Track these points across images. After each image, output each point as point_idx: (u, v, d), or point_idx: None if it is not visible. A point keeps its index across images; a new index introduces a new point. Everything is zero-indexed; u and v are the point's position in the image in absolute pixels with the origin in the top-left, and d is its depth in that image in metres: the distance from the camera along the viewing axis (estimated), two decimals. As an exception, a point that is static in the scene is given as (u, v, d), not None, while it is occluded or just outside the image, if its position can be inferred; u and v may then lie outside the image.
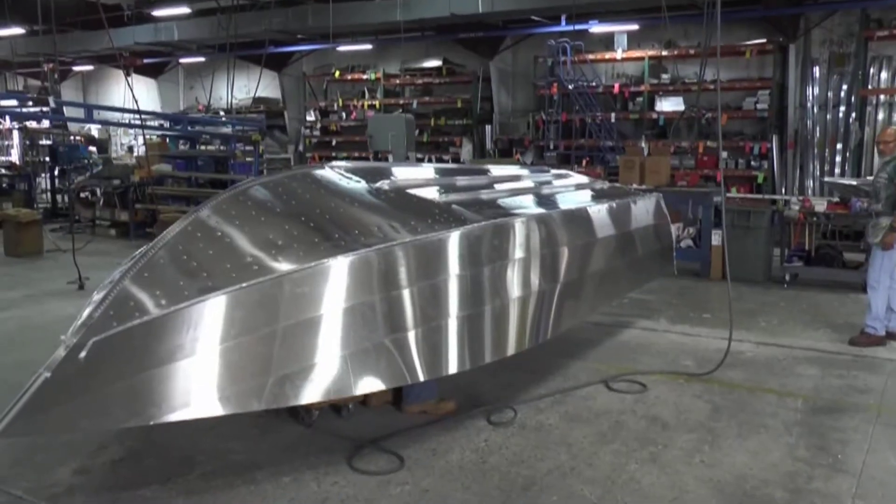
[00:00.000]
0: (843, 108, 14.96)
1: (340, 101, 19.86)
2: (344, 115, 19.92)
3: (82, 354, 3.45)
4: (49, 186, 16.27)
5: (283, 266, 3.91)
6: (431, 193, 5.34)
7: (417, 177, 5.87)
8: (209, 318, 3.72)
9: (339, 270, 4.01)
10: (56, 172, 15.80)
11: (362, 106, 19.56)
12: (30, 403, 3.41)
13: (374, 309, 4.18)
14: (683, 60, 16.59)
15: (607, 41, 16.95)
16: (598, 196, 6.63)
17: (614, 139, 16.64)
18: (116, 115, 15.84)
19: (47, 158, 16.69)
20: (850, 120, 14.80)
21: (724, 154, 15.81)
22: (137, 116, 13.96)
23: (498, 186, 6.19)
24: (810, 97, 15.17)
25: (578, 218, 5.83)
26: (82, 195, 14.05)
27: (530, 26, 17.30)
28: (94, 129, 23.23)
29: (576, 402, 5.41)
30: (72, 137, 18.80)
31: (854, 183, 12.00)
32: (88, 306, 3.78)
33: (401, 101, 19.41)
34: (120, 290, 3.71)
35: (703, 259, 9.57)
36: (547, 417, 5.13)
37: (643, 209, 6.91)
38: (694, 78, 16.44)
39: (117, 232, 13.54)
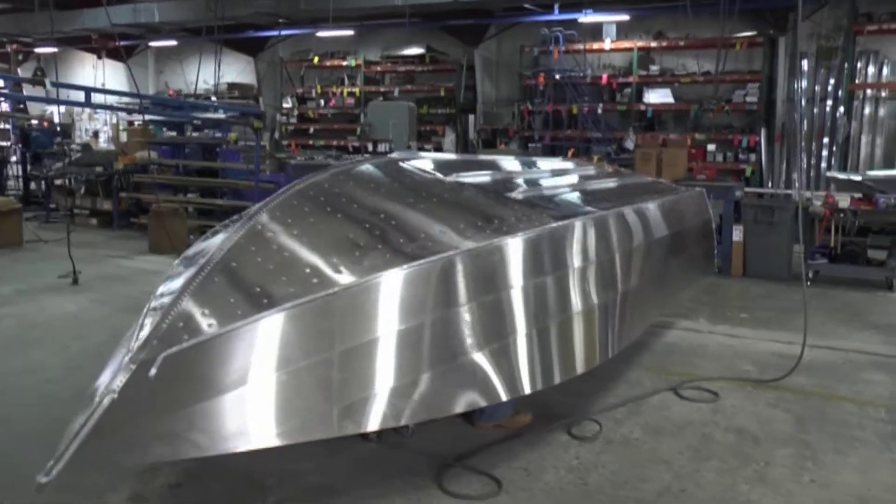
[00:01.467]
0: (830, 102, 14.89)
1: (319, 87, 19.23)
2: (322, 102, 19.30)
3: (153, 371, 2.99)
4: (21, 173, 15.41)
5: (369, 274, 3.48)
6: (500, 187, 4.96)
7: (477, 170, 5.44)
8: (298, 327, 3.28)
9: (447, 268, 3.63)
10: (28, 158, 14.96)
11: (342, 93, 18.97)
12: (97, 429, 2.92)
13: (467, 318, 3.78)
14: (672, 52, 16.39)
15: (594, 31, 16.65)
16: (648, 192, 6.27)
17: (602, 130, 16.38)
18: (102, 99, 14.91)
19: (12, 143, 15.84)
20: (838, 114, 14.74)
21: (713, 147, 15.69)
22: (117, 100, 13.28)
23: (553, 181, 5.79)
24: (798, 90, 15.06)
25: (640, 217, 5.47)
26: (58, 182, 13.29)
27: (517, 14, 16.91)
28: (56, 114, 22.21)
29: (652, 413, 5.06)
30: (34, 122, 17.86)
31: (858, 178, 11.88)
32: (147, 318, 3.31)
33: (381, 89, 18.85)
34: (188, 299, 3.24)
35: (724, 255, 9.31)
36: (630, 430, 4.77)
37: (692, 205, 6.59)
38: (682, 70, 16.29)
39: (99, 221, 12.80)
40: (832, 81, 14.82)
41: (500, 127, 17.76)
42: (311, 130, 19.38)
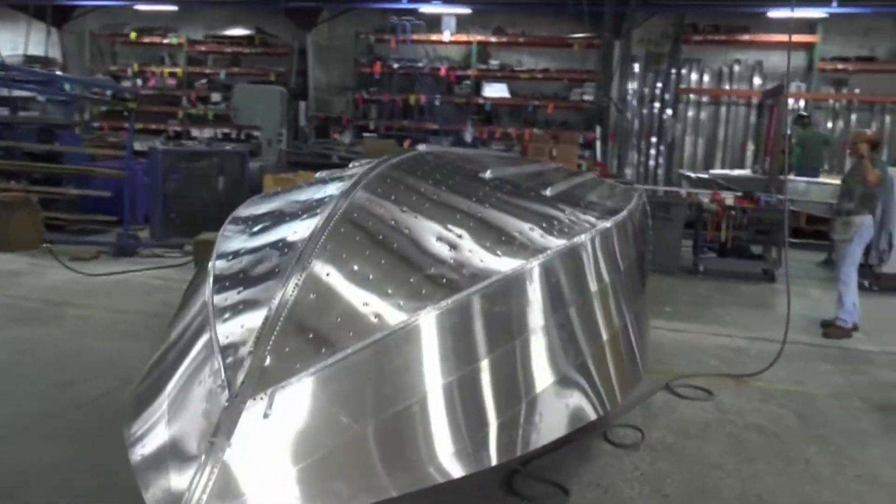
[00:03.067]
0: (657, 104, 15.74)
1: (136, 66, 17.60)
2: (140, 81, 17.69)
3: (268, 411, 2.39)
4: None
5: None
6: (524, 183, 4.63)
7: (488, 164, 5.02)
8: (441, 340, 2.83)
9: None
10: None
11: (162, 73, 17.50)
12: (217, 490, 2.21)
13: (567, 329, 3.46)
14: (510, 48, 16.59)
15: (430, 23, 16.50)
16: (619, 192, 6.10)
17: (439, 122, 16.28)
18: None
19: None
20: (664, 115, 15.62)
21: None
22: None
23: (553, 180, 5.44)
24: (630, 92, 15.78)
25: (635, 221, 5.30)
26: None
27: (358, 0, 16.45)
28: None
29: (666, 415, 4.87)
30: None
31: (706, 176, 12.62)
32: (216, 348, 2.62)
33: (206, 70, 17.59)
34: (289, 317, 2.58)
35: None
36: (662, 435, 4.54)
37: (644, 206, 6.54)
38: (520, 66, 16.53)
39: None
40: (660, 85, 15.68)
41: (333, 115, 17.18)
42: (126, 112, 17.67)
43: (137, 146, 10.89)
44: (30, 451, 3.94)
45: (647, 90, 15.71)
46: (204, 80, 17.42)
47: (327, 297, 2.73)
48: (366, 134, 16.90)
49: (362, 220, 3.23)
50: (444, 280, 3.04)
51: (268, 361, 2.44)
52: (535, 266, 3.28)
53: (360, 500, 2.45)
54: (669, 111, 15.49)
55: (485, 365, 3.02)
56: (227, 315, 2.77)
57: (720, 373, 5.80)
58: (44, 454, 3.90)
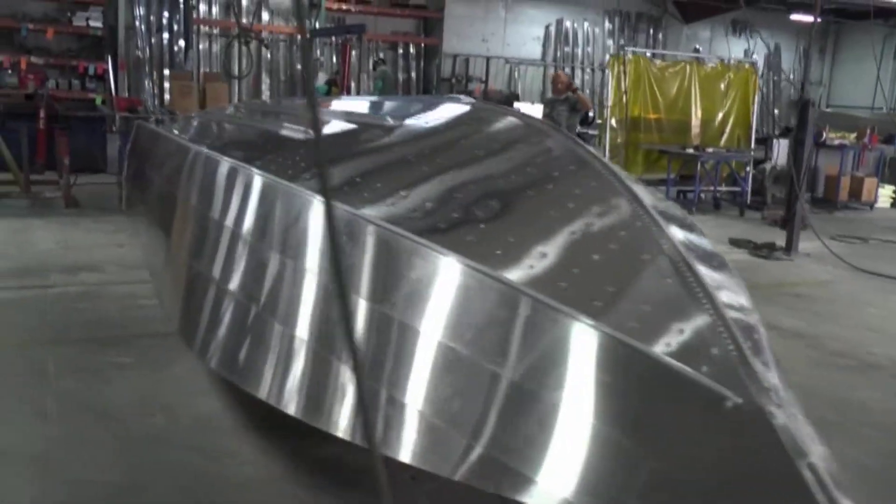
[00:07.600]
0: (166, 34, 15.02)
1: None
2: None
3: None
4: None
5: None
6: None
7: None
8: None
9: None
10: None
11: None
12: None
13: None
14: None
15: None
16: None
17: None
18: None
19: None
20: (176, 46, 15.02)
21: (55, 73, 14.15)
22: None
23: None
24: (138, 18, 14.73)
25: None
26: None
27: None
28: None
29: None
30: None
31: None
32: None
33: None
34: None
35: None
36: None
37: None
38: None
39: None
40: (166, 14, 14.97)
41: None
42: None
43: None
44: None
45: (153, 18, 14.91)
46: None
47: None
48: None
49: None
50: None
51: (757, 364, 2.00)
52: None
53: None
54: (182, 42, 14.99)
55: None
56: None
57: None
58: None
